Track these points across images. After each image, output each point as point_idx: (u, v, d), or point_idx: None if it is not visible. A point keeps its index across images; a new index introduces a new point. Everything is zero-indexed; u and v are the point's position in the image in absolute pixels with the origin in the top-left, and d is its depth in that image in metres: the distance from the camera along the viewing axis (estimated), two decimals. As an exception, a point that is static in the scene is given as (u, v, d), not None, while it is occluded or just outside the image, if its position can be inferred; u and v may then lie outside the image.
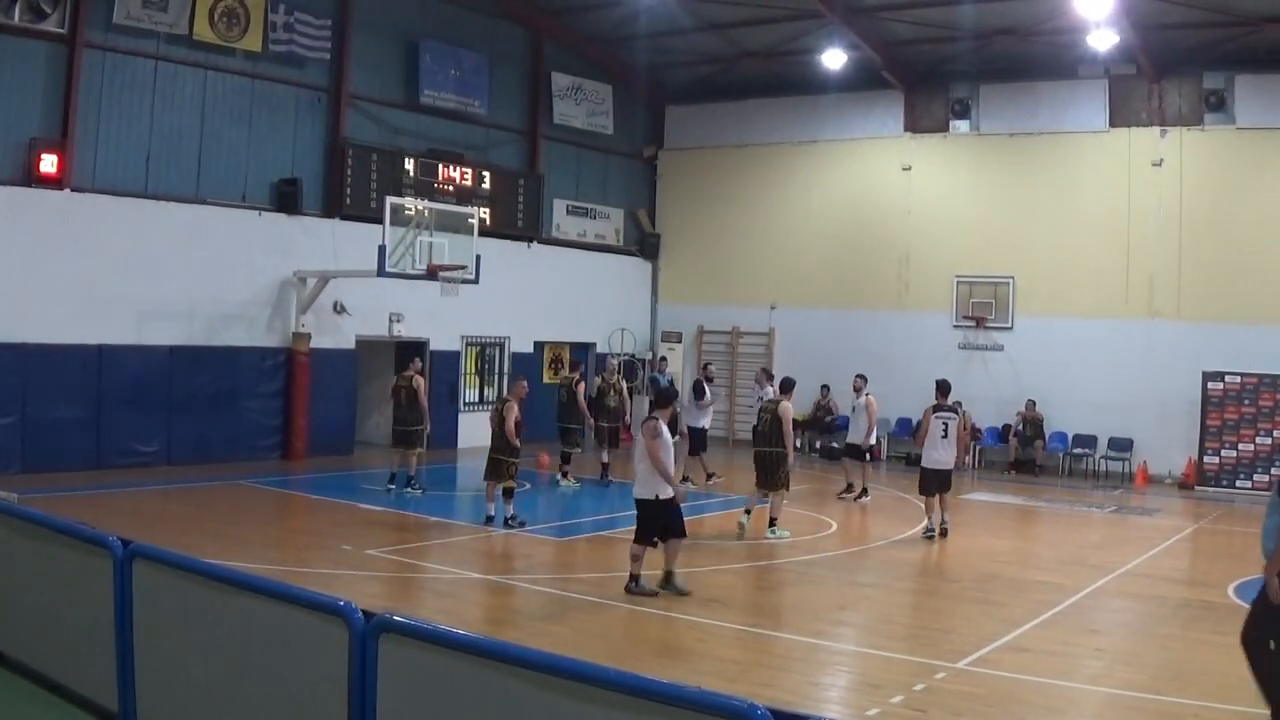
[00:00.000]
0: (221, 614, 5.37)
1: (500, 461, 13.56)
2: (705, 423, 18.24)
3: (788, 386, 14.14)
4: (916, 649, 8.89)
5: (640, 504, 10.27)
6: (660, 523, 10.14)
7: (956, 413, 14.27)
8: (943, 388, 14.25)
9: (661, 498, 10.11)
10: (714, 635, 9.21)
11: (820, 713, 7.13)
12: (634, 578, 10.26)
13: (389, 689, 4.54)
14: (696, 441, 17.93)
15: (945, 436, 13.81)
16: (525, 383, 14.43)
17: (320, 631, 4.77)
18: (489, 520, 13.60)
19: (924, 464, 13.93)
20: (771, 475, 13.34)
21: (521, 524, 13.50)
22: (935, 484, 13.79)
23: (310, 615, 4.90)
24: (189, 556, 5.98)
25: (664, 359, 23.22)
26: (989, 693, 7.82)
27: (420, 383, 16.15)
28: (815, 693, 7.98)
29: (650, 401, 10.69)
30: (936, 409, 13.99)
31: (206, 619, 5.46)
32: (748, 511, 13.68)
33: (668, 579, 10.33)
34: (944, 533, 13.72)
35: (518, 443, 13.50)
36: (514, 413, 13.53)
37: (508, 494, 13.56)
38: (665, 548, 10.32)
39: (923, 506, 14.18)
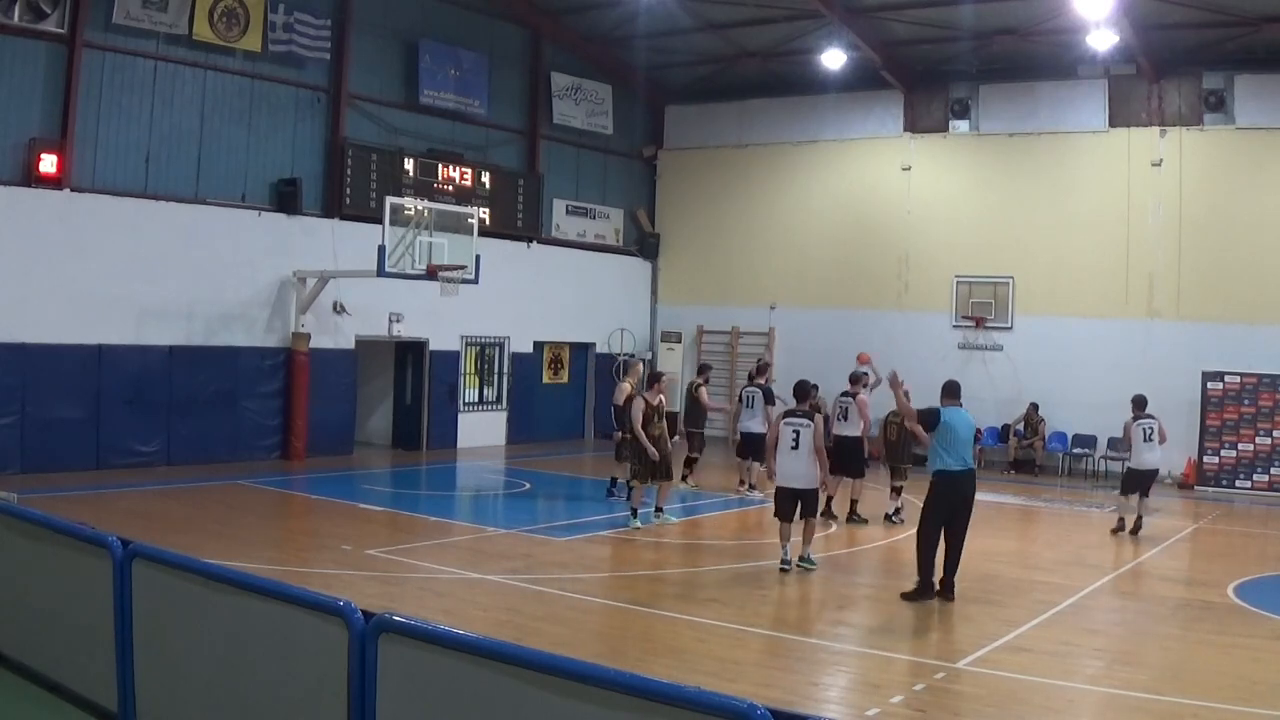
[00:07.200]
0: (221, 614, 5.37)
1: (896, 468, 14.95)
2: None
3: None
4: (916, 649, 8.88)
5: None
6: None
7: (1155, 418, 14.77)
8: (1138, 402, 14.90)
9: None
10: (714, 635, 9.20)
11: (820, 713, 7.12)
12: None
13: (388, 689, 4.54)
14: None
15: (1149, 440, 14.67)
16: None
17: (320, 631, 4.77)
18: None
19: (1131, 465, 15.00)
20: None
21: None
22: (1137, 484, 14.74)
23: (310, 615, 4.90)
24: (188, 556, 5.97)
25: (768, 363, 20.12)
26: (989, 693, 7.82)
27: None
28: (815, 693, 7.98)
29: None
30: (1137, 419, 14.70)
31: (206, 619, 5.45)
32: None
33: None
34: (1137, 528, 14.60)
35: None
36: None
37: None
38: None
39: (1126, 502, 14.85)
